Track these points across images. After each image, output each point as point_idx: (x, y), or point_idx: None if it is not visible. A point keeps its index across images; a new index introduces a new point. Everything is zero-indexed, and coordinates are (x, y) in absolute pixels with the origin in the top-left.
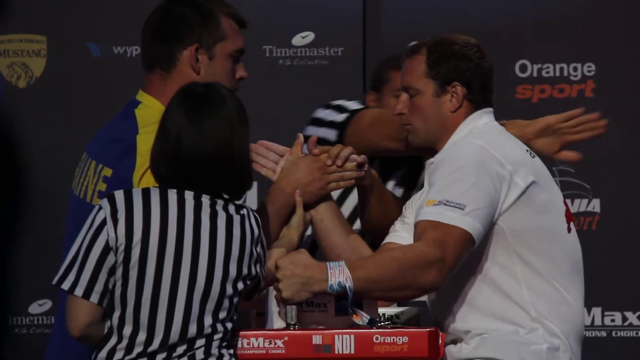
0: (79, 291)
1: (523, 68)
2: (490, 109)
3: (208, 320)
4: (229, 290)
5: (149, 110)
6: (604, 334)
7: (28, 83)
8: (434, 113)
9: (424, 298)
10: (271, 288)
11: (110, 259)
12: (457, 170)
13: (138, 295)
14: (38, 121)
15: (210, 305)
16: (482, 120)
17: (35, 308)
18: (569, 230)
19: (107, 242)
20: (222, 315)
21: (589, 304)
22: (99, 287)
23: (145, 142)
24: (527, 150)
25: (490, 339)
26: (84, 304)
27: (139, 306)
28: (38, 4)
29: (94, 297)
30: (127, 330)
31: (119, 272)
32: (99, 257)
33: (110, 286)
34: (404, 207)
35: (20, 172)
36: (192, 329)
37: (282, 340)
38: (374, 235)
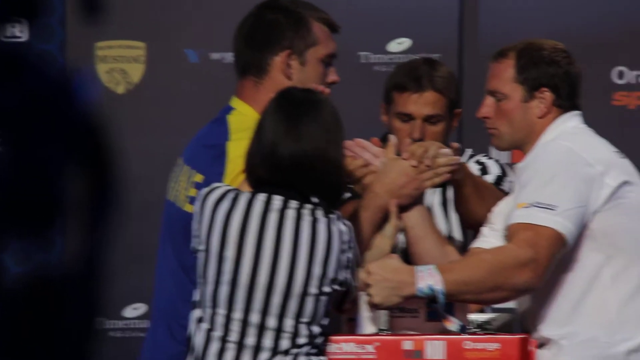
0: None
1: (620, 75)
2: (579, 113)
3: (290, 322)
4: (314, 291)
5: (242, 117)
6: None
7: (127, 89)
8: (521, 118)
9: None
10: (362, 293)
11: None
12: (546, 172)
13: (214, 293)
14: (136, 127)
15: (293, 306)
16: (571, 124)
17: (129, 312)
18: None
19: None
20: (306, 318)
21: None
22: None
23: (235, 148)
24: (615, 151)
25: (570, 345)
26: None
27: (215, 304)
28: (137, 11)
29: None
30: (205, 325)
31: (200, 269)
32: None
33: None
34: (491, 214)
35: (117, 177)
36: (272, 329)
37: (373, 346)
38: (472, 229)
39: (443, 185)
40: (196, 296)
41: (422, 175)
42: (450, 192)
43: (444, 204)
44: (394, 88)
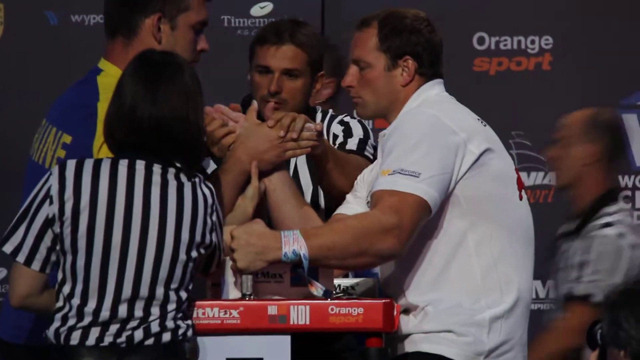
0: (21, 257)
1: (481, 40)
2: (441, 80)
3: (160, 290)
4: (182, 256)
5: (111, 79)
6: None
7: None
8: (385, 86)
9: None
10: (227, 258)
11: (55, 230)
12: (410, 139)
13: (87, 265)
14: None
15: (163, 273)
16: (434, 91)
17: None
18: (521, 198)
19: (48, 215)
20: (175, 284)
21: (544, 277)
22: (40, 255)
23: (106, 109)
24: (478, 119)
25: (435, 311)
26: (25, 272)
27: (88, 276)
28: None
29: (36, 265)
30: (76, 300)
31: (67, 242)
32: (41, 227)
33: (53, 255)
34: (355, 181)
35: None
36: (143, 298)
37: (238, 311)
38: (335, 199)
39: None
40: (60, 273)
41: (286, 144)
42: None
43: (309, 162)
44: (256, 42)
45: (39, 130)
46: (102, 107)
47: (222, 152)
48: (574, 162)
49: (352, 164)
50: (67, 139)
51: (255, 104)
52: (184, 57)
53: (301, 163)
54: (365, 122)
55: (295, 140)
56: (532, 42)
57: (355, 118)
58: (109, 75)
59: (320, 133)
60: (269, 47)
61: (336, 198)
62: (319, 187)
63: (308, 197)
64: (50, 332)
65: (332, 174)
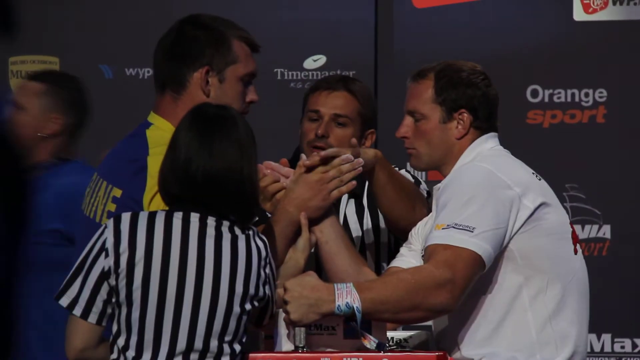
0: (78, 310)
1: (534, 93)
2: (496, 134)
3: (214, 342)
4: (236, 309)
5: (160, 132)
6: None
7: None
8: (439, 139)
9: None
10: (280, 310)
11: (111, 282)
12: (465, 193)
13: (142, 317)
14: None
15: (217, 326)
16: (488, 145)
17: None
18: (575, 252)
19: (104, 268)
20: (229, 336)
21: (599, 330)
22: (96, 308)
23: (156, 163)
24: (532, 173)
25: None
26: (81, 325)
27: (143, 328)
28: (51, 26)
29: (92, 318)
30: (131, 353)
31: (122, 295)
32: (97, 280)
33: (109, 307)
34: (410, 234)
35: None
36: (197, 350)
37: None
38: (398, 227)
39: (356, 195)
40: (115, 325)
41: (328, 186)
42: (364, 201)
43: (358, 213)
44: (309, 91)
45: (90, 184)
46: (152, 161)
47: (274, 208)
48: None
49: (406, 181)
50: (117, 192)
51: (303, 157)
52: None
53: (350, 212)
54: (413, 172)
55: (335, 176)
56: (586, 94)
57: (403, 169)
58: (159, 129)
59: (358, 159)
60: (320, 92)
61: (396, 223)
62: (365, 234)
63: (357, 245)
64: None
65: (387, 191)
